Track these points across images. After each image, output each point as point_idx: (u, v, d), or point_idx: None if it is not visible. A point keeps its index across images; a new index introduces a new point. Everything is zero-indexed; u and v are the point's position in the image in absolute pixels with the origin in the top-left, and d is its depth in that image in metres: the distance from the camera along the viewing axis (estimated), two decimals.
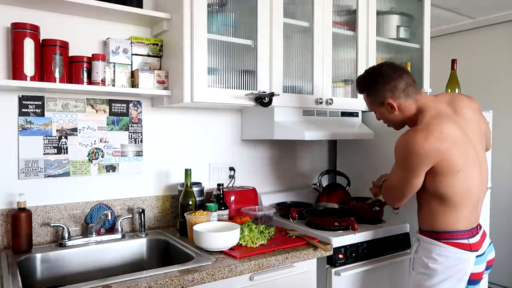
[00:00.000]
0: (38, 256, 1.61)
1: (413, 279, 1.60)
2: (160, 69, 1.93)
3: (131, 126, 1.96)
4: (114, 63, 1.78)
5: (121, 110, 1.93)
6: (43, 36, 1.65)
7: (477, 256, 1.52)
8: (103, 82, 1.73)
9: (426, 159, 1.43)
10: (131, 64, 1.84)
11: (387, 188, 1.67)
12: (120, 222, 1.83)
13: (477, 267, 1.53)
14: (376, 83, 1.60)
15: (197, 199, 1.91)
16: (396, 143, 1.53)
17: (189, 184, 1.85)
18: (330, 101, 2.11)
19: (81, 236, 1.77)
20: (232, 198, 2.09)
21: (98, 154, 1.88)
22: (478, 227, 1.59)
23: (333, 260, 1.77)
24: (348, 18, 2.26)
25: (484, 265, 1.57)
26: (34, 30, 1.59)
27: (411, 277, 1.64)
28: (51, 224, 1.73)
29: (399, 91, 1.57)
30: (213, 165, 2.21)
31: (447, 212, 1.51)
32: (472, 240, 1.52)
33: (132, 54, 1.84)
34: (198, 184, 2.00)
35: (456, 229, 1.51)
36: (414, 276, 1.60)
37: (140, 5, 1.85)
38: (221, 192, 2.00)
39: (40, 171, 1.74)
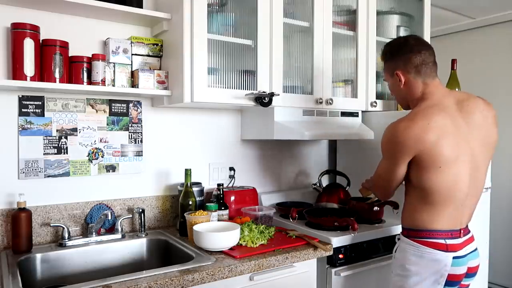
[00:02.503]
0: (38, 256, 1.61)
1: (392, 281, 1.56)
2: (160, 69, 1.93)
3: (131, 126, 1.96)
4: (114, 63, 1.78)
5: (121, 110, 1.93)
6: (43, 36, 1.65)
7: (454, 258, 1.45)
8: (103, 82, 1.73)
9: (406, 148, 1.41)
10: (131, 64, 1.84)
11: (374, 178, 1.66)
12: (120, 222, 1.83)
13: (455, 268, 1.45)
14: (394, 50, 1.58)
15: (197, 199, 1.91)
16: (384, 132, 1.51)
17: (189, 184, 1.85)
18: (330, 101, 2.11)
19: (81, 236, 1.77)
20: (232, 198, 2.09)
21: (98, 154, 1.88)
22: (462, 231, 1.49)
23: (333, 260, 1.77)
24: (348, 18, 2.26)
25: (464, 268, 1.48)
26: (34, 30, 1.59)
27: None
28: (51, 224, 1.72)
29: (411, 65, 1.53)
30: (213, 165, 2.21)
31: (426, 208, 1.46)
32: (450, 241, 1.45)
33: (132, 54, 1.84)
34: (198, 184, 2.00)
35: (433, 228, 1.46)
36: (392, 278, 1.55)
37: (140, 5, 1.85)
38: (221, 192, 2.00)
39: (40, 171, 1.74)
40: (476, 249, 1.55)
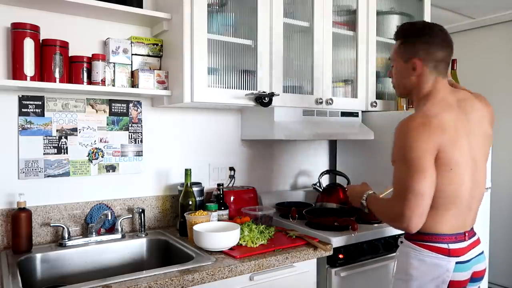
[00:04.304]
0: (38, 256, 1.61)
1: (392, 284, 1.50)
2: (160, 69, 1.93)
3: (131, 126, 1.96)
4: (114, 63, 1.78)
5: (121, 110, 1.93)
6: (43, 36, 1.65)
7: (457, 263, 1.37)
8: (103, 82, 1.73)
9: (430, 143, 1.29)
10: (131, 64, 1.84)
11: (390, 201, 1.41)
12: (120, 222, 1.83)
13: (458, 274, 1.37)
14: (419, 35, 1.42)
15: (197, 199, 1.91)
16: (395, 133, 1.37)
17: (189, 184, 1.85)
18: (330, 101, 2.11)
19: (81, 236, 1.77)
20: (232, 198, 2.09)
21: (98, 154, 1.88)
22: (467, 234, 1.42)
23: (333, 260, 1.77)
24: (348, 18, 2.26)
25: (468, 274, 1.41)
26: (34, 30, 1.59)
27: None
28: (51, 224, 1.73)
29: (433, 58, 1.41)
30: (213, 165, 2.21)
31: (430, 211, 1.36)
32: (453, 246, 1.38)
33: (132, 54, 1.84)
34: (198, 184, 2.00)
35: (436, 232, 1.38)
36: (393, 282, 1.49)
37: (140, 5, 1.85)
38: (221, 192, 2.00)
39: (40, 171, 1.74)
40: (482, 252, 1.48)
